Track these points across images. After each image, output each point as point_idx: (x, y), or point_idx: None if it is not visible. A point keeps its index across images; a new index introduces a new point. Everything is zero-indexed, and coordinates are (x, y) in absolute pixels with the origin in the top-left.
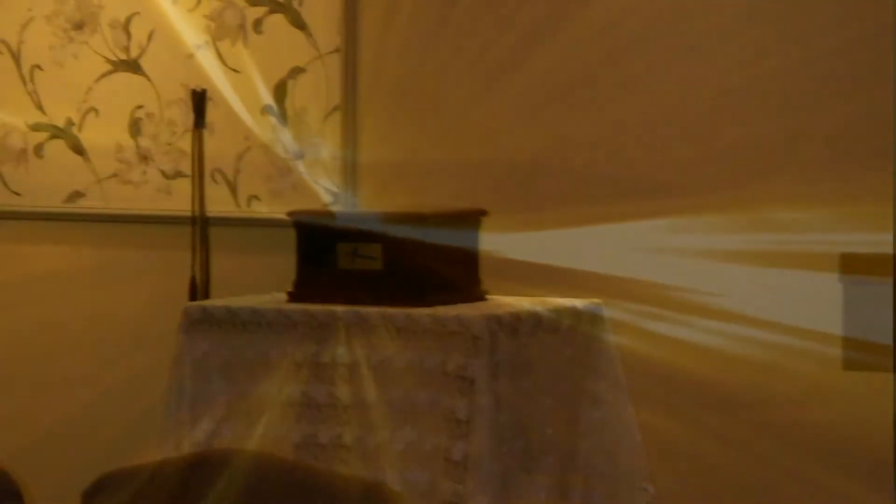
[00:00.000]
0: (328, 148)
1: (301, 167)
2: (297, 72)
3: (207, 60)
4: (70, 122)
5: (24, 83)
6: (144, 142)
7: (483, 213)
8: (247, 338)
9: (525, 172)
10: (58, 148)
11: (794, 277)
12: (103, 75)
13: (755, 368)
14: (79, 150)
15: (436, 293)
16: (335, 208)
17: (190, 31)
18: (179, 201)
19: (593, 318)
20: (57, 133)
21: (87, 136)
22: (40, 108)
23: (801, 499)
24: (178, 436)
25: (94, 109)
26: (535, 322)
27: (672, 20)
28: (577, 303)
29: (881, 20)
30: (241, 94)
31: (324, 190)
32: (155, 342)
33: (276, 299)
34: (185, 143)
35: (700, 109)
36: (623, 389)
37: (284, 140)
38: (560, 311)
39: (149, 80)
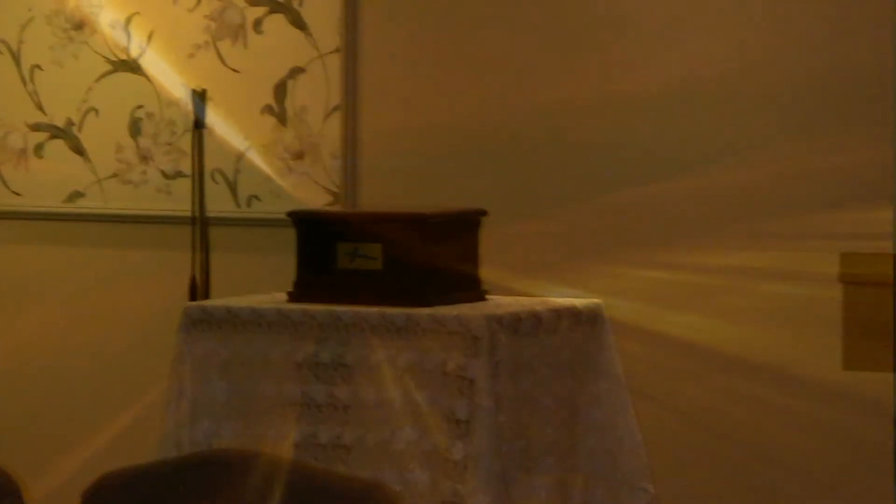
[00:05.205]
0: (328, 148)
1: (301, 167)
2: (297, 72)
3: (207, 60)
4: (70, 122)
5: (24, 83)
6: (144, 142)
7: (483, 213)
8: (247, 338)
9: (525, 172)
10: (58, 148)
11: (795, 277)
12: (103, 75)
13: (755, 368)
14: (79, 150)
15: (436, 293)
16: (335, 208)
17: (190, 31)
18: (179, 201)
19: (593, 318)
20: (57, 133)
21: (87, 136)
22: (40, 108)
23: (802, 498)
24: (178, 436)
25: (94, 109)
26: (535, 322)
27: (671, 17)
28: (577, 303)
29: (883, 17)
30: (241, 94)
31: (324, 190)
32: (155, 342)
33: (276, 299)
34: (185, 143)
35: (700, 109)
36: (623, 389)
37: (284, 140)
38: (560, 311)
39: (149, 80)
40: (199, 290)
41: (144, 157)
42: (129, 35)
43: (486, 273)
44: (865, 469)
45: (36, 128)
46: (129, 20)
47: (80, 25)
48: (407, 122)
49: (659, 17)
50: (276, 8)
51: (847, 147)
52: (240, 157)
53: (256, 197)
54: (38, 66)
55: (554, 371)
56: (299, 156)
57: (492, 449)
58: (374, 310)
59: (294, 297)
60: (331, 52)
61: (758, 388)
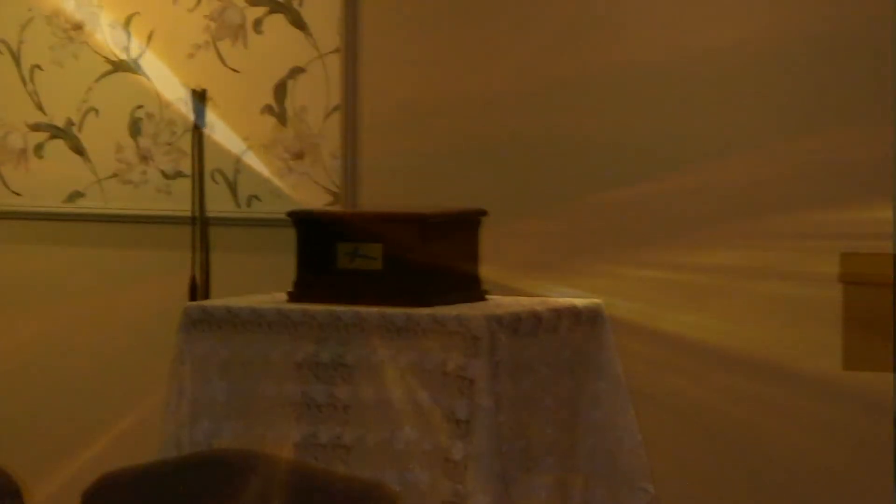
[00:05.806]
0: (328, 148)
1: (301, 167)
2: (297, 72)
3: (207, 60)
4: (70, 122)
5: (24, 83)
6: (144, 142)
7: (483, 213)
8: (247, 338)
9: (525, 172)
10: (58, 148)
11: (795, 277)
12: (103, 75)
13: (755, 368)
14: (79, 150)
15: (436, 293)
16: (335, 208)
17: (190, 31)
18: (179, 201)
19: (593, 318)
20: (57, 133)
21: (87, 136)
22: (40, 108)
23: (802, 498)
24: (178, 436)
25: (94, 109)
26: (535, 322)
27: (671, 16)
28: (577, 303)
29: (883, 17)
30: (241, 94)
31: (324, 190)
32: (155, 342)
33: (276, 299)
34: (185, 143)
35: (700, 108)
36: (623, 389)
37: (284, 140)
38: (560, 311)
39: (149, 80)
40: (199, 290)
41: (144, 157)
42: (128, 35)
43: (486, 273)
44: (865, 469)
45: (36, 128)
46: (128, 20)
47: (80, 25)
48: (407, 122)
49: (658, 17)
50: (276, 8)
51: (847, 146)
52: (240, 157)
53: (256, 197)
54: (38, 66)
55: (554, 371)
56: (299, 156)
57: (492, 449)
58: (374, 310)
59: (294, 297)
60: (331, 52)
61: (758, 387)
